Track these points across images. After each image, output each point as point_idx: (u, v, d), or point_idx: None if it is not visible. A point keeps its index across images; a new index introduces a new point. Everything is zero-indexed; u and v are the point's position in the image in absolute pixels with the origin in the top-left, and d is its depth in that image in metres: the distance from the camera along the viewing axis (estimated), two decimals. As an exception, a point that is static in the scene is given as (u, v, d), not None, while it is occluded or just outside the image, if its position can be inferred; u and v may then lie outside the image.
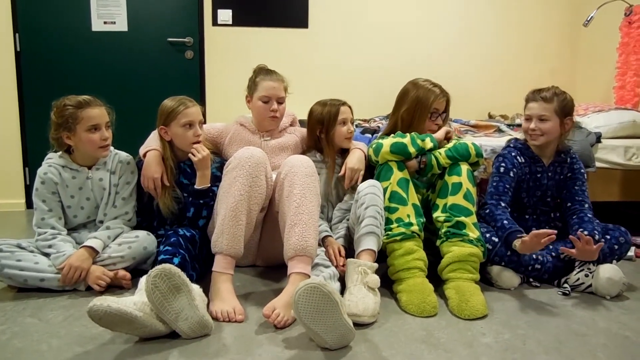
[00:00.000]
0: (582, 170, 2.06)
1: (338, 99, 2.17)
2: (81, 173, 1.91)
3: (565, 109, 1.96)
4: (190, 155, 1.93)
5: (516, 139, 2.11)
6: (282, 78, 2.15)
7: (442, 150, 1.93)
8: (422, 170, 1.94)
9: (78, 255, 1.76)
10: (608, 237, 1.90)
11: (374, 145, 1.96)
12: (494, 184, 2.01)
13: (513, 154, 2.04)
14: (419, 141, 1.92)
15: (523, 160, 2.03)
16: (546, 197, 2.06)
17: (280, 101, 2.13)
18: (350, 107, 2.18)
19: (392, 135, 1.98)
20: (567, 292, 1.84)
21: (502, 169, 2.01)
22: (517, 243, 1.80)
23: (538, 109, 1.97)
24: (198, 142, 1.97)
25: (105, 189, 1.93)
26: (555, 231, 1.71)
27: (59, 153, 1.91)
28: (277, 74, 2.14)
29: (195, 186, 1.92)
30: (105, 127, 1.87)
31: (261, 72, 2.15)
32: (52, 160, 1.90)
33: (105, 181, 1.93)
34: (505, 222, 1.88)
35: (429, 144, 1.93)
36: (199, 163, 1.91)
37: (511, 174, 1.99)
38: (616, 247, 1.90)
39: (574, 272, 1.87)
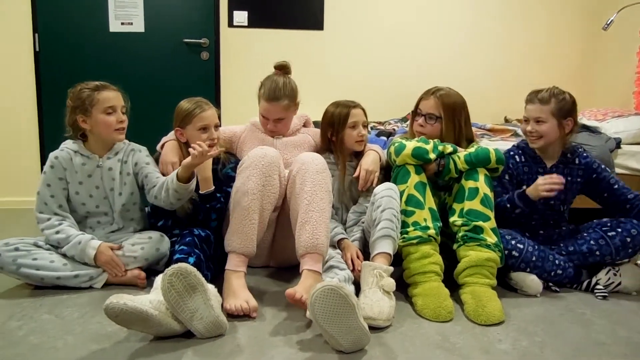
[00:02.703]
0: (603, 166, 2.04)
1: (352, 100, 2.16)
2: (92, 160, 1.91)
3: (563, 110, 1.93)
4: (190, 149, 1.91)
5: (523, 140, 2.10)
6: (283, 97, 2.07)
7: (461, 155, 1.90)
8: (440, 172, 1.92)
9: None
10: (619, 229, 1.87)
11: (396, 144, 1.93)
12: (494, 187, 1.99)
13: (511, 153, 2.06)
14: (440, 147, 1.90)
15: (523, 160, 2.04)
16: (549, 201, 2.00)
17: (280, 119, 2.12)
18: (363, 109, 2.15)
19: (417, 139, 1.96)
20: (606, 294, 1.84)
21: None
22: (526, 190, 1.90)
23: (534, 111, 1.95)
24: (212, 146, 1.97)
25: (114, 179, 1.93)
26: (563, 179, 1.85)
27: (74, 140, 1.93)
28: (276, 95, 2.06)
29: (200, 191, 1.92)
30: (120, 110, 1.88)
31: (263, 85, 2.11)
32: (66, 145, 1.92)
33: (115, 171, 1.93)
34: (506, 199, 1.95)
35: (448, 149, 1.91)
36: (195, 161, 1.84)
37: (506, 177, 2.01)
38: (628, 239, 1.86)
39: (604, 273, 1.88)
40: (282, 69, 2.15)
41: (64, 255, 1.81)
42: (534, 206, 1.92)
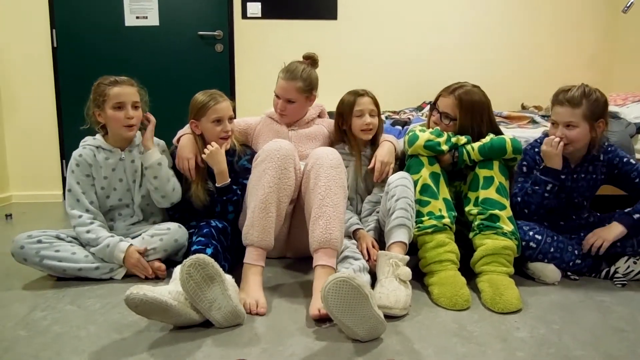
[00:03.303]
0: (626, 159, 1.91)
1: (363, 89, 2.14)
2: (114, 154, 1.95)
3: (596, 112, 1.79)
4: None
5: (545, 134, 2.00)
6: (298, 79, 2.11)
7: (475, 146, 1.87)
8: (455, 164, 1.91)
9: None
10: None
11: (410, 134, 1.92)
12: (519, 184, 1.95)
13: (536, 149, 1.96)
14: (453, 139, 1.88)
15: None
16: (573, 199, 1.96)
17: (291, 101, 2.13)
18: (373, 97, 2.11)
19: (430, 130, 1.93)
20: (626, 282, 1.84)
21: (524, 168, 1.96)
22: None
23: (564, 115, 1.80)
24: (226, 138, 1.99)
25: (137, 171, 1.97)
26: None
27: (95, 135, 1.97)
28: (293, 74, 2.11)
29: (216, 184, 1.95)
30: (131, 106, 1.90)
31: (282, 70, 2.16)
32: (87, 142, 1.96)
33: (137, 163, 1.97)
34: (530, 183, 1.89)
35: (462, 140, 1.88)
36: (208, 159, 1.93)
37: (535, 172, 1.92)
38: None
39: (623, 261, 1.86)
40: (309, 58, 2.19)
41: (85, 247, 1.85)
42: (560, 176, 1.85)
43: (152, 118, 1.99)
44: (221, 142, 1.98)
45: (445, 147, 1.86)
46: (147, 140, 1.96)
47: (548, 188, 1.85)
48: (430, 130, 1.93)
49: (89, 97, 1.92)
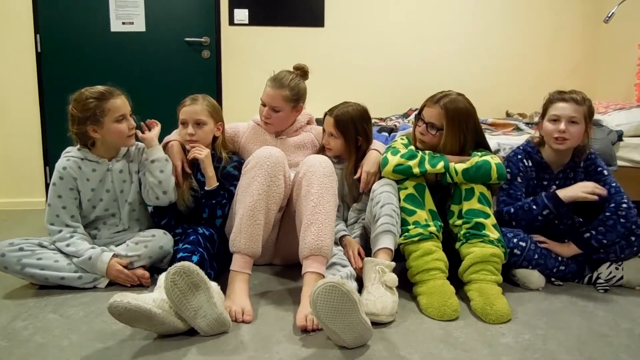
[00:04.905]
0: (599, 169, 1.94)
1: (334, 107, 2.13)
2: (102, 165, 1.91)
3: (590, 116, 1.87)
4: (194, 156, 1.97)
5: (528, 141, 2.03)
6: (285, 87, 2.09)
7: (459, 169, 1.82)
8: (439, 181, 1.90)
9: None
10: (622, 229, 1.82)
11: (384, 155, 1.92)
12: (504, 191, 1.96)
13: (519, 156, 1.98)
14: (427, 165, 1.84)
15: (530, 164, 1.97)
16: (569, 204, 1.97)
17: (276, 109, 2.12)
18: (335, 117, 2.08)
19: (403, 138, 1.90)
20: (608, 287, 1.86)
21: (508, 175, 1.95)
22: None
23: (570, 110, 1.84)
24: (192, 142, 1.99)
25: (125, 181, 1.94)
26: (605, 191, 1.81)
27: (77, 146, 1.92)
28: (281, 83, 2.10)
29: (205, 188, 1.95)
30: (129, 115, 1.89)
31: (271, 78, 2.15)
32: (71, 154, 1.90)
33: (125, 172, 1.94)
34: (530, 199, 1.89)
35: (439, 169, 1.84)
36: (206, 160, 1.95)
37: (519, 179, 1.94)
38: (633, 238, 1.85)
39: (605, 267, 1.88)
40: (299, 69, 2.19)
41: (68, 255, 1.82)
42: (563, 208, 1.86)
43: (158, 123, 2.04)
44: (189, 145, 1.99)
45: (417, 170, 1.83)
46: (154, 139, 1.97)
47: (544, 212, 1.86)
48: (402, 152, 1.89)
49: (73, 113, 1.83)
